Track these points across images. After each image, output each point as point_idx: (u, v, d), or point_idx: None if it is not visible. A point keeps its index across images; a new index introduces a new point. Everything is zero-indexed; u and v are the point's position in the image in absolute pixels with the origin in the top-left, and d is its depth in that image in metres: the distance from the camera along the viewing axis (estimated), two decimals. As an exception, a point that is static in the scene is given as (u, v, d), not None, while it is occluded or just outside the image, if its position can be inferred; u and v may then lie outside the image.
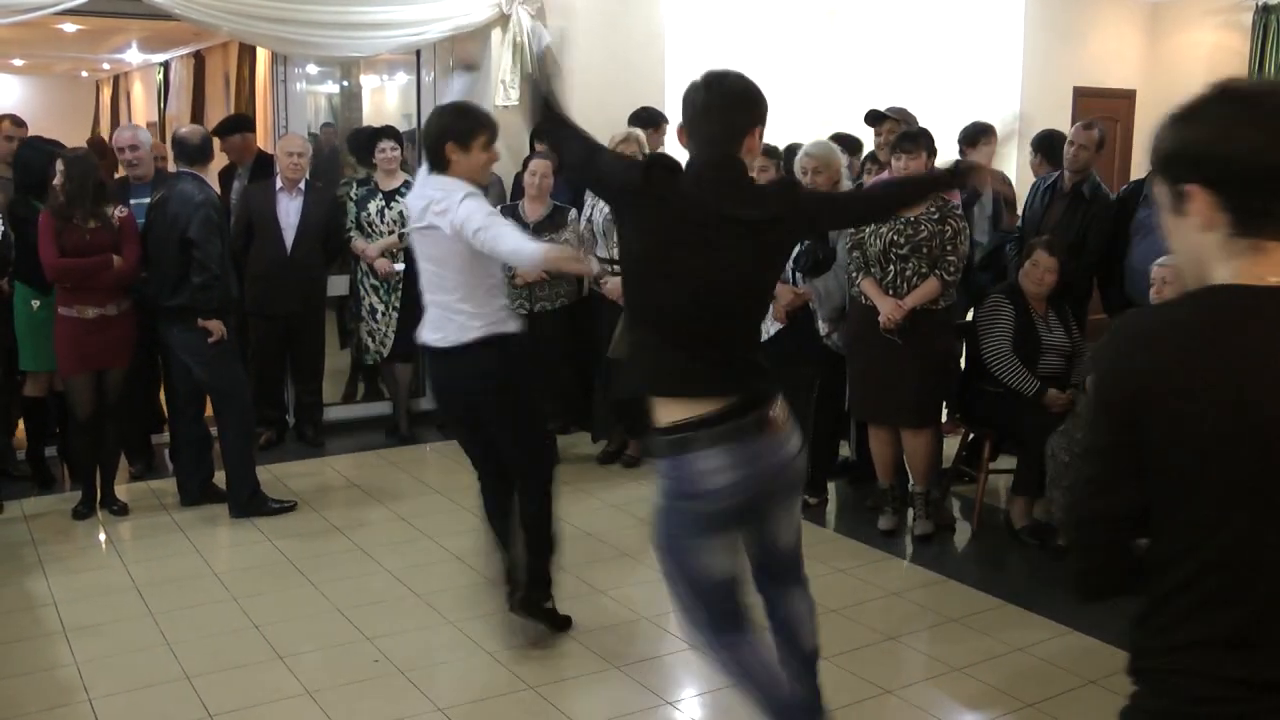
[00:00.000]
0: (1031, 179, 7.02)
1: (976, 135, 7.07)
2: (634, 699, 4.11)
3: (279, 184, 6.84)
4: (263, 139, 8.33)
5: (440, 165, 4.06)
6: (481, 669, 4.32)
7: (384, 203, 7.05)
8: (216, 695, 4.06)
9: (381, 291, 7.10)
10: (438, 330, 4.19)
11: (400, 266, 7.05)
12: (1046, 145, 7.09)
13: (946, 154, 6.17)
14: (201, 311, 5.65)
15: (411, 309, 7.12)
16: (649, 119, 7.36)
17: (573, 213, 6.72)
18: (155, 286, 5.76)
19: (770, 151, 6.28)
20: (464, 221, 3.90)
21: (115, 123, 16.49)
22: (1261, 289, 1.61)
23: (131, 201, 6.03)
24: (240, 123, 7.65)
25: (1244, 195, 1.61)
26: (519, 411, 4.28)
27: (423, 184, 4.15)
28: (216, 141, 6.56)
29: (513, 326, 4.24)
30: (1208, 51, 9.71)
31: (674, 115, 7.95)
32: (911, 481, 5.87)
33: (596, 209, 6.57)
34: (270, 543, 5.58)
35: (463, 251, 3.98)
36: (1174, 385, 1.62)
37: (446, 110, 4.25)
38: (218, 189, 6.93)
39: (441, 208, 3.98)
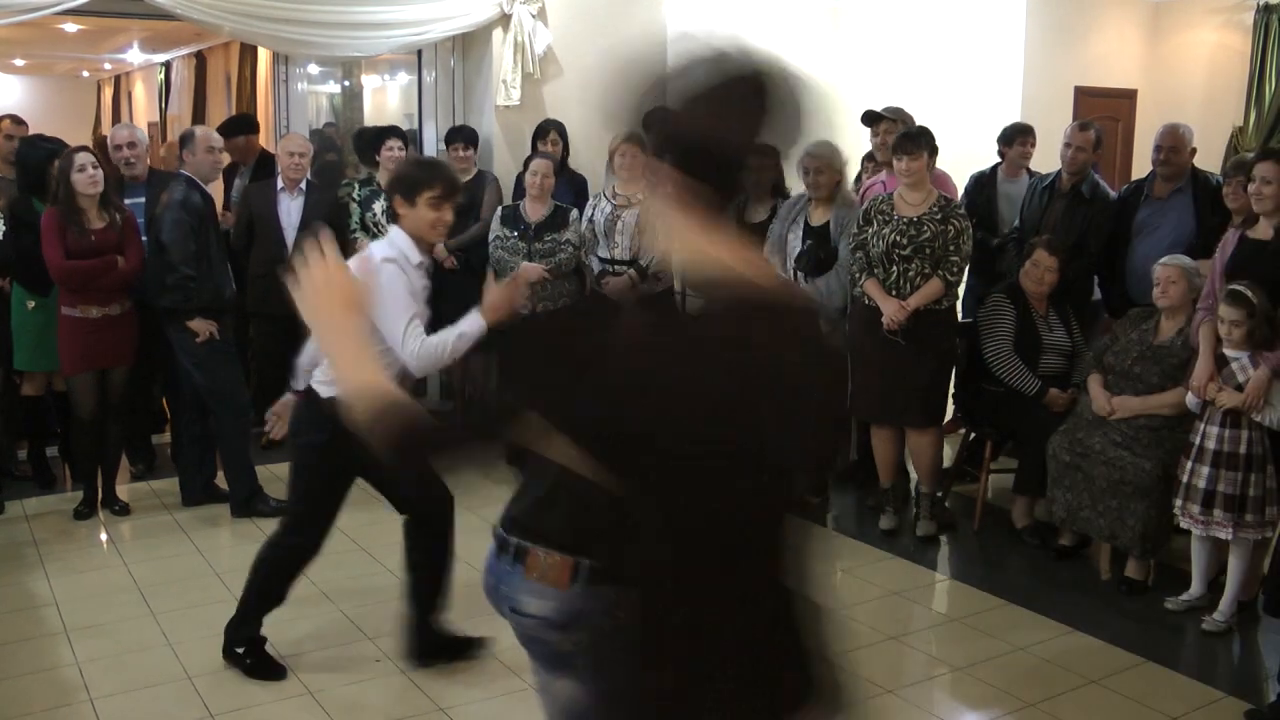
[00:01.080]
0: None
1: (1013, 135, 7.07)
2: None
3: (280, 184, 6.83)
4: (264, 139, 8.33)
5: (391, 217, 4.02)
6: (483, 667, 4.32)
7: (388, 202, 7.04)
8: (218, 695, 4.06)
9: (387, 291, 7.10)
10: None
11: None
12: None
13: (948, 154, 6.17)
14: (183, 312, 5.65)
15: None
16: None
17: (574, 213, 6.71)
18: (148, 287, 5.77)
19: (768, 151, 6.27)
20: None
21: (116, 123, 16.50)
22: None
23: (126, 201, 6.03)
24: (244, 123, 7.65)
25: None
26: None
27: None
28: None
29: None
30: (1209, 51, 9.71)
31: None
32: (915, 480, 5.87)
33: (598, 209, 6.57)
34: (272, 542, 5.58)
35: None
36: None
37: (406, 160, 4.21)
38: (222, 188, 6.96)
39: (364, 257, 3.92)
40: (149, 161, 6.60)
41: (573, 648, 2.59)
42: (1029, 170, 7.13)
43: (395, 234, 3.94)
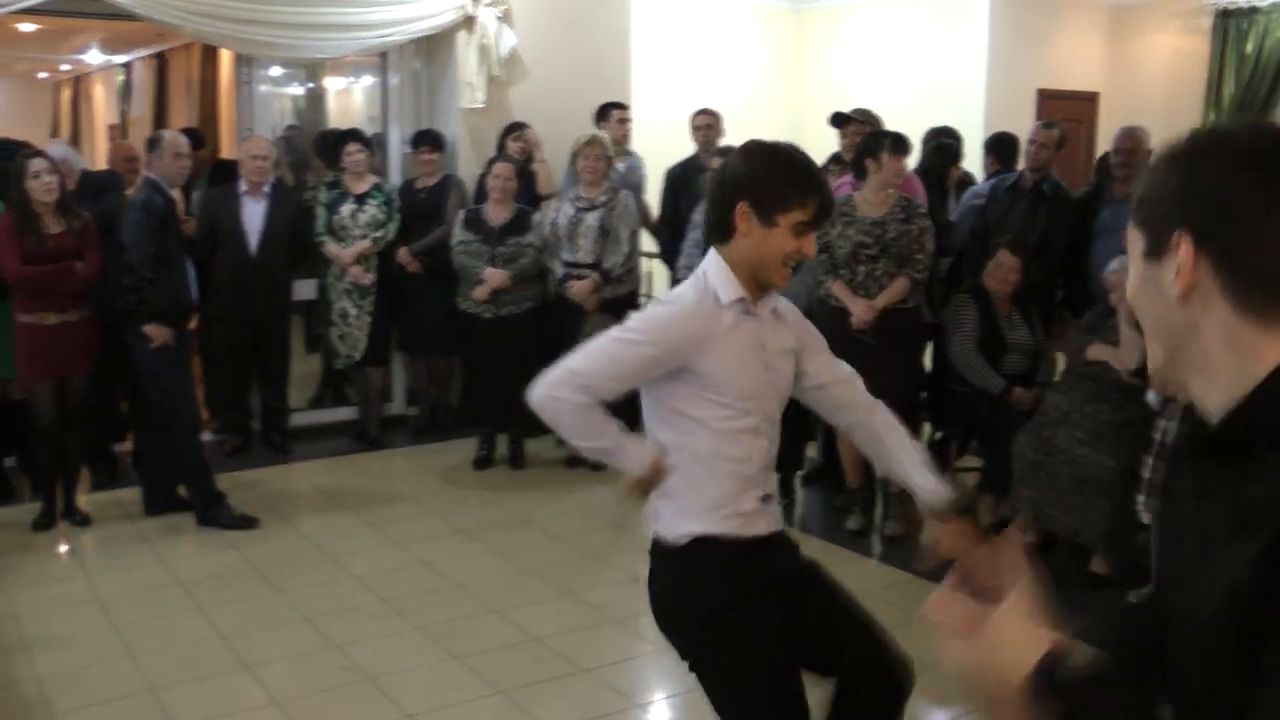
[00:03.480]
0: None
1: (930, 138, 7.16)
2: (603, 702, 4.10)
3: (243, 187, 6.77)
4: (226, 141, 8.26)
5: (721, 232, 2.62)
6: (449, 674, 4.30)
7: (355, 206, 6.99)
8: (182, 707, 4.02)
9: (354, 295, 7.04)
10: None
11: (372, 277, 7.01)
12: (999, 146, 7.17)
13: (913, 156, 6.20)
14: (138, 315, 5.59)
15: (383, 313, 7.11)
16: (601, 112, 7.38)
17: (536, 215, 6.71)
18: (105, 289, 5.70)
19: (723, 152, 6.31)
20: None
21: (75, 125, 16.33)
22: None
23: None
24: (190, 138, 7.57)
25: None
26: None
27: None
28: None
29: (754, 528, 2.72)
30: (1169, 54, 9.80)
31: (640, 112, 7.97)
32: (882, 480, 5.87)
33: (560, 212, 6.56)
34: (236, 550, 5.53)
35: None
36: None
37: (763, 152, 2.64)
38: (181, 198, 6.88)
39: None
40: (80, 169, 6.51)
41: None
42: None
43: (713, 264, 2.64)
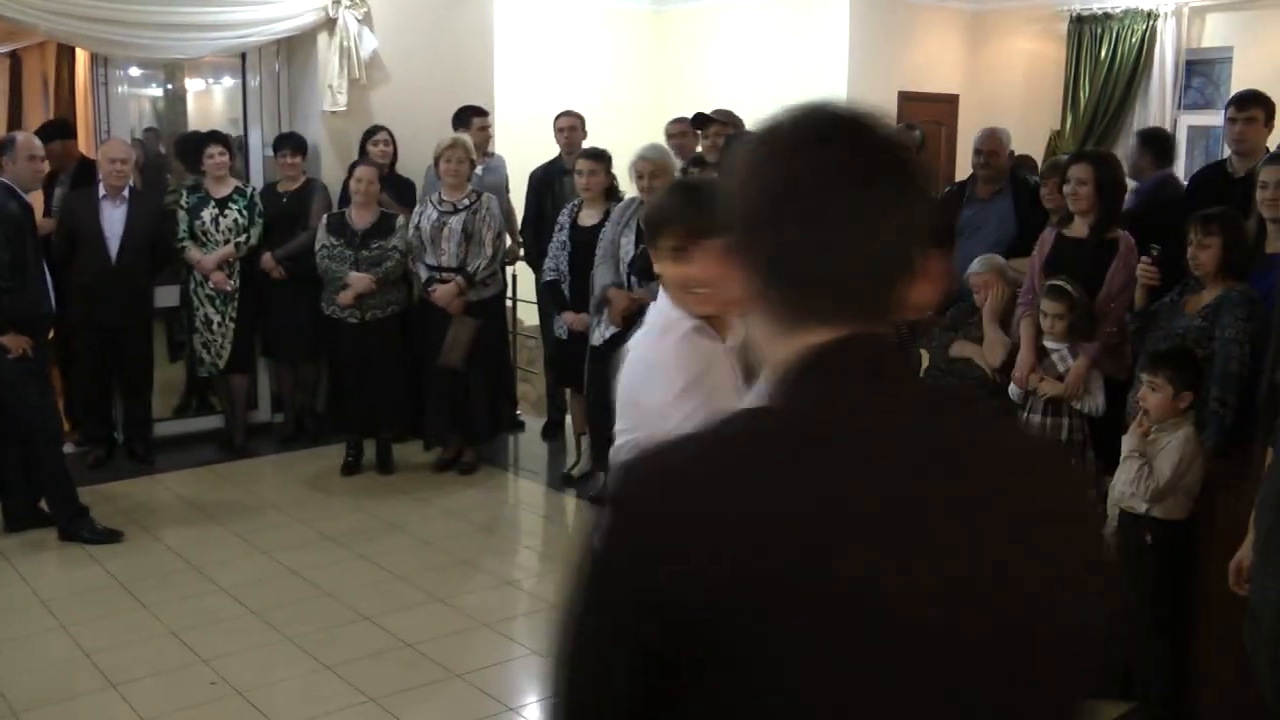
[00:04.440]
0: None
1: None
2: (476, 707, 4.10)
3: (102, 191, 6.59)
4: (84, 144, 8.03)
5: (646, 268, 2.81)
6: (321, 683, 4.26)
7: (217, 210, 6.86)
8: (42, 728, 3.92)
9: (217, 302, 6.90)
10: None
11: (235, 283, 6.88)
12: None
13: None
14: None
15: (247, 319, 6.98)
16: (460, 117, 7.32)
17: (400, 219, 6.66)
18: None
19: (599, 155, 6.33)
20: None
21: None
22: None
23: None
24: (60, 128, 7.37)
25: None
26: None
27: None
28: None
29: None
30: (1026, 58, 10.11)
31: (503, 113, 7.95)
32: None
33: (424, 216, 6.52)
34: (100, 565, 5.39)
35: None
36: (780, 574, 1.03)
37: (669, 186, 2.84)
38: (41, 197, 6.68)
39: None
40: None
41: None
42: None
43: (661, 299, 2.69)
